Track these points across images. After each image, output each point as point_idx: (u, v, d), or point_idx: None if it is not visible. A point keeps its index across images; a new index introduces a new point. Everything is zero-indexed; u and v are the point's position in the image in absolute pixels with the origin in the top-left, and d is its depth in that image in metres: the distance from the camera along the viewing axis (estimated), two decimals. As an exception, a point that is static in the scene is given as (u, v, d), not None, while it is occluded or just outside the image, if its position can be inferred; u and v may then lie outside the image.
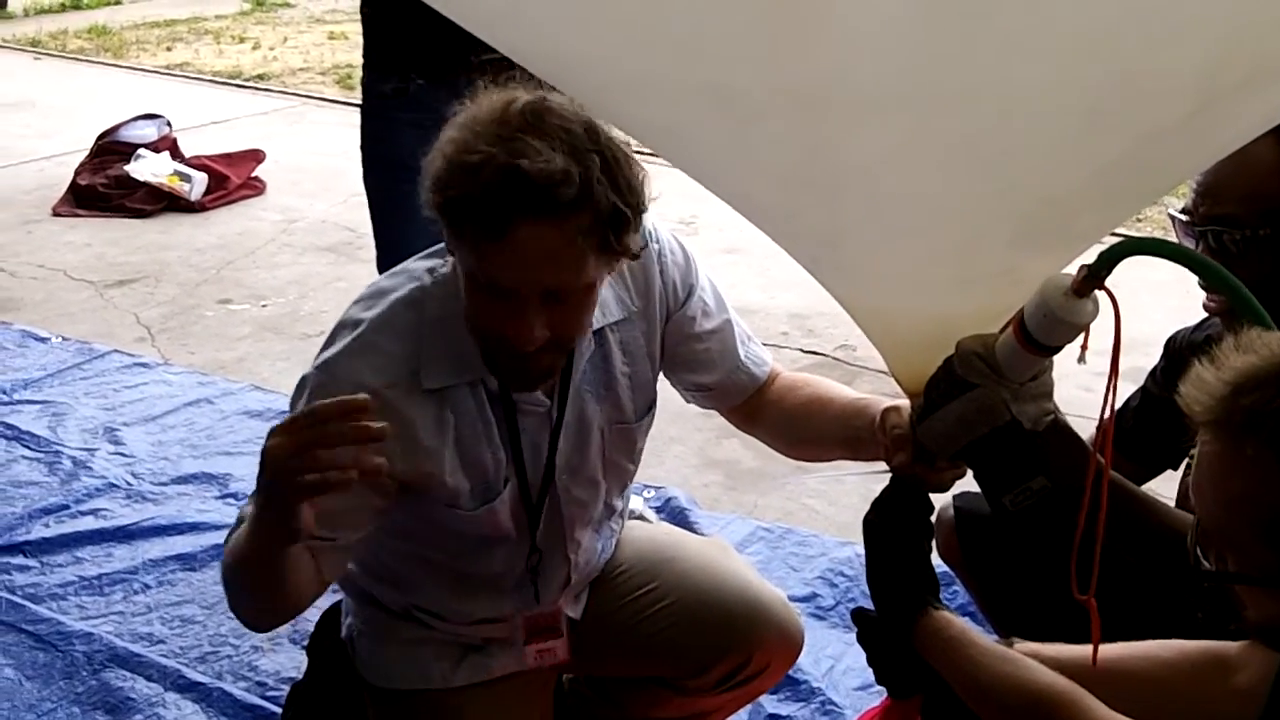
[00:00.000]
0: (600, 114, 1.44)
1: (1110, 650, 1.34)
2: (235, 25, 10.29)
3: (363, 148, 2.77)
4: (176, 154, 5.71)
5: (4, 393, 3.58)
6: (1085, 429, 1.46)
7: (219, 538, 2.85)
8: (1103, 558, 1.31)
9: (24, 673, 2.42)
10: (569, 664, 1.97)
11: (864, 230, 1.27)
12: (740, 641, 1.89)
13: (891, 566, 1.47)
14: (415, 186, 2.66)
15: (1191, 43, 0.97)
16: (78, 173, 5.55)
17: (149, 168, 5.49)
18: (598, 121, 1.48)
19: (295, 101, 7.67)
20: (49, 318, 4.24)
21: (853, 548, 2.79)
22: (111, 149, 5.64)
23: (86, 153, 5.70)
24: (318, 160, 6.12)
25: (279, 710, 2.27)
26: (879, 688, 1.54)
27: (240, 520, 1.54)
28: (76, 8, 10.91)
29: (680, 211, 5.15)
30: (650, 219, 1.63)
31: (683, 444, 3.41)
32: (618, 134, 1.51)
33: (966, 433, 1.37)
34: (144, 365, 3.84)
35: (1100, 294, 1.27)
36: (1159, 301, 2.78)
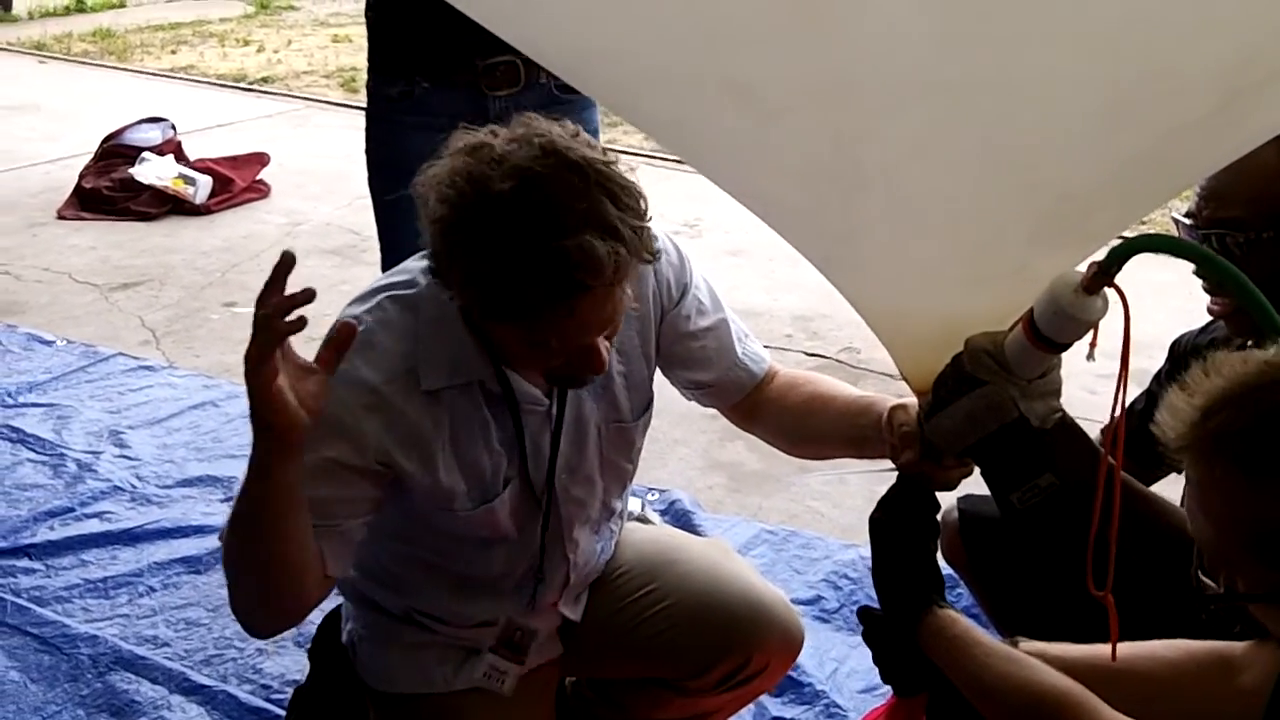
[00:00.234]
0: (618, 111, 1.44)
1: (1107, 650, 1.34)
2: (240, 28, 10.32)
3: (368, 151, 2.77)
4: (181, 157, 5.73)
5: (9, 395, 3.59)
6: (1089, 430, 1.46)
7: (224, 540, 2.88)
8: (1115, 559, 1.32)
9: (29, 675, 2.42)
10: (569, 666, 1.98)
11: (882, 228, 1.27)
12: (740, 642, 1.89)
13: (898, 565, 1.47)
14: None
15: (1220, 39, 0.98)
16: (82, 176, 5.56)
17: (154, 171, 5.49)
18: (576, 150, 1.45)
19: (299, 104, 7.68)
20: (54, 321, 4.25)
21: (857, 550, 2.79)
22: (116, 152, 5.65)
23: (91, 156, 5.71)
24: (322, 163, 6.13)
25: (283, 713, 2.27)
26: (883, 690, 1.54)
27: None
28: (81, 11, 10.95)
29: (684, 214, 5.16)
30: None
31: (687, 446, 3.41)
32: (588, 150, 1.47)
33: (975, 430, 1.38)
34: (149, 368, 3.85)
35: (1110, 291, 1.27)
36: (1162, 303, 2.78)
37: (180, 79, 8.41)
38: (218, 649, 2.52)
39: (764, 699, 2.38)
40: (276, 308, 1.34)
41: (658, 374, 1.85)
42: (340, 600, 1.93)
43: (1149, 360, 1.98)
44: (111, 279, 4.68)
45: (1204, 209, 1.68)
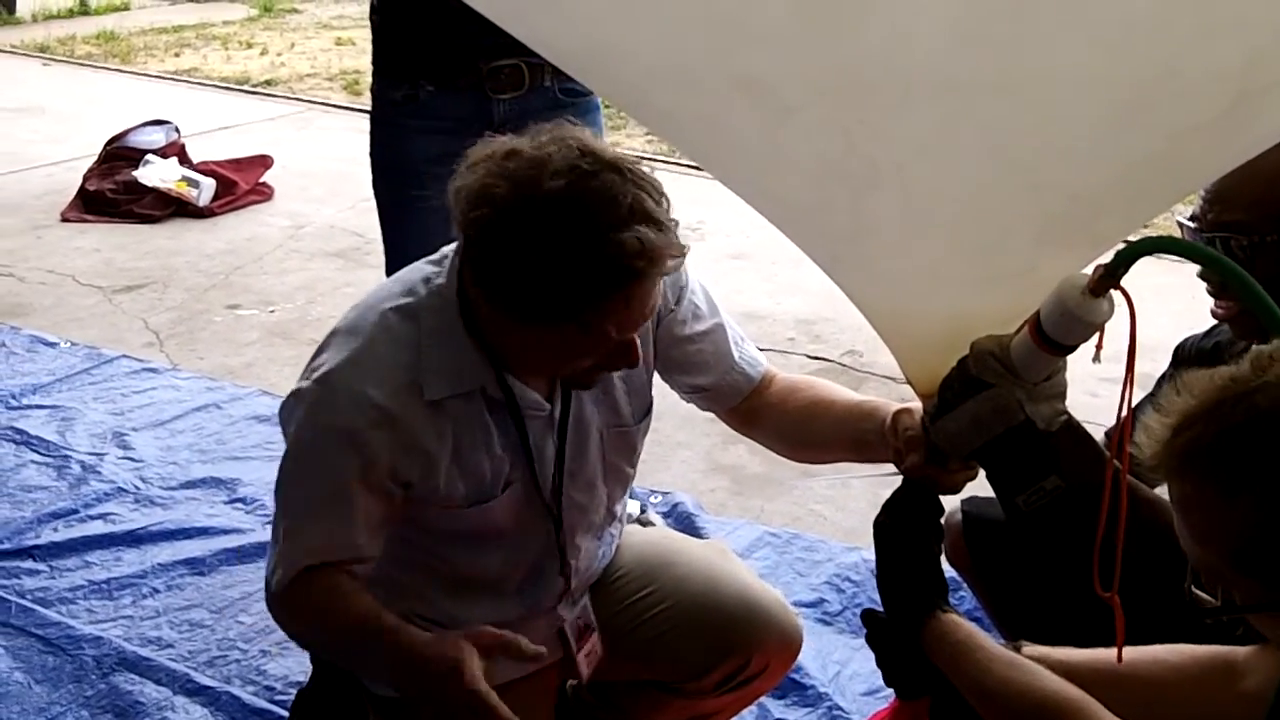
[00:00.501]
0: (628, 109, 1.44)
1: (1113, 655, 1.35)
2: (243, 31, 10.33)
3: (372, 154, 2.78)
4: (185, 159, 5.73)
5: (13, 397, 3.59)
6: (1093, 434, 1.46)
7: (227, 542, 2.88)
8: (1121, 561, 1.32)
9: (33, 676, 2.43)
10: (569, 670, 1.98)
11: (890, 227, 1.28)
12: (739, 644, 1.89)
13: (902, 569, 1.48)
14: (424, 192, 2.68)
15: (1226, 42, 0.98)
16: (86, 178, 5.56)
17: (157, 173, 5.50)
18: (607, 150, 1.50)
19: (303, 107, 7.69)
20: (58, 323, 4.26)
21: (859, 553, 2.79)
22: (120, 154, 5.66)
23: (95, 158, 5.72)
24: (325, 165, 6.14)
25: (286, 715, 2.28)
26: (886, 693, 1.55)
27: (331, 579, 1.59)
28: (85, 13, 10.95)
29: (687, 218, 5.10)
30: None
31: (689, 449, 3.41)
32: (614, 150, 1.53)
33: (981, 433, 1.38)
34: (152, 370, 3.85)
35: (1116, 293, 1.28)
36: (1165, 306, 2.78)
37: (184, 81, 8.42)
38: (221, 650, 2.53)
39: (767, 702, 2.38)
40: None
41: (657, 378, 1.86)
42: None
43: (1151, 364, 1.98)
44: (115, 281, 4.69)
45: (1208, 212, 1.68)
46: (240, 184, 5.63)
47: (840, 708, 2.36)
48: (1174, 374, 1.92)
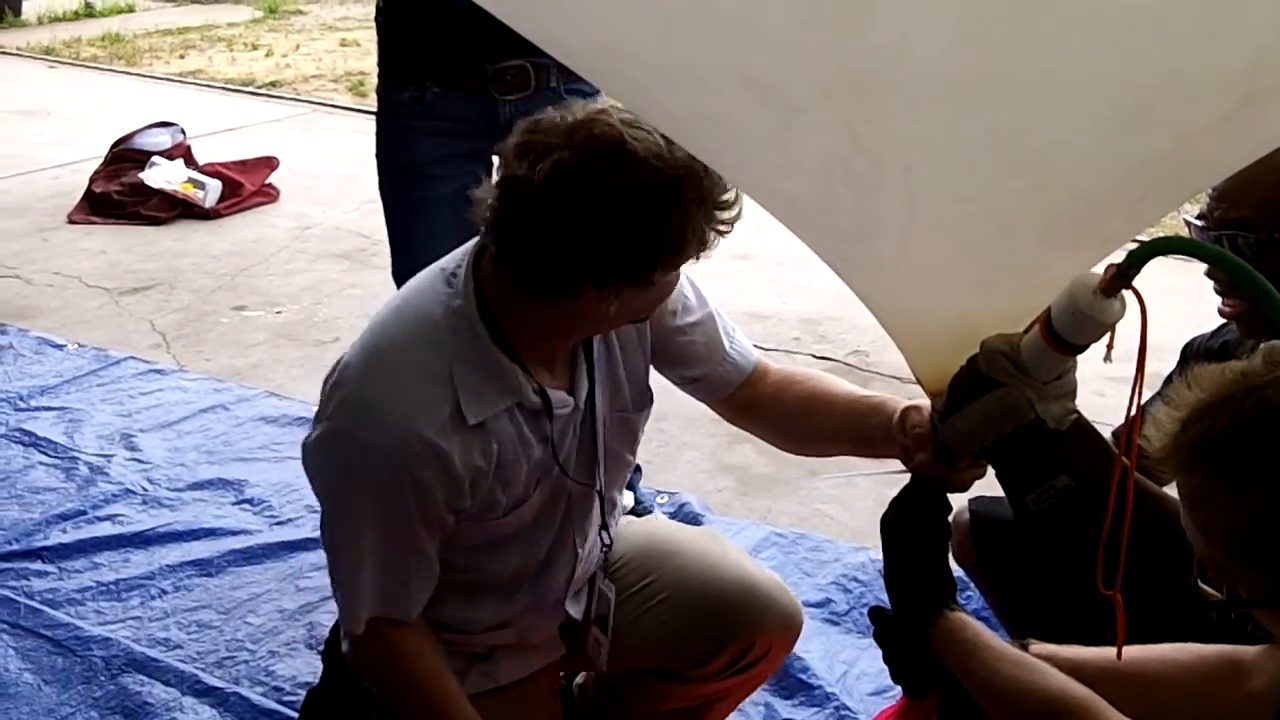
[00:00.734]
0: (635, 108, 1.45)
1: (1126, 652, 1.35)
2: (248, 32, 10.34)
3: (378, 155, 2.78)
4: (190, 161, 5.75)
5: (21, 399, 3.60)
6: (1101, 433, 1.46)
7: (235, 543, 2.89)
8: (1125, 556, 1.32)
9: (43, 677, 2.43)
10: (573, 664, 1.98)
11: (897, 227, 1.28)
12: (742, 628, 1.90)
13: (909, 567, 1.48)
14: (430, 193, 2.69)
15: (1238, 41, 0.98)
16: (92, 180, 5.58)
17: (163, 175, 5.51)
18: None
19: (308, 109, 7.70)
20: (65, 324, 4.27)
21: (866, 553, 2.79)
22: (126, 156, 5.67)
23: (101, 160, 5.73)
24: (331, 167, 6.15)
25: (295, 715, 2.28)
26: (893, 692, 1.55)
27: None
28: (90, 15, 10.97)
29: (692, 217, 5.15)
30: None
31: (696, 449, 3.42)
32: None
33: (991, 431, 1.38)
34: (159, 372, 3.86)
35: (1127, 293, 1.28)
36: (1172, 306, 2.77)
37: (189, 83, 8.43)
38: (230, 651, 2.53)
39: (774, 701, 2.39)
40: None
41: (659, 379, 1.87)
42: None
43: (1159, 364, 1.98)
44: (122, 283, 4.70)
45: (1215, 210, 1.69)
46: (246, 186, 5.64)
47: (847, 707, 2.36)
48: (1182, 373, 1.93)
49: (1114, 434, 1.77)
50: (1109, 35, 0.96)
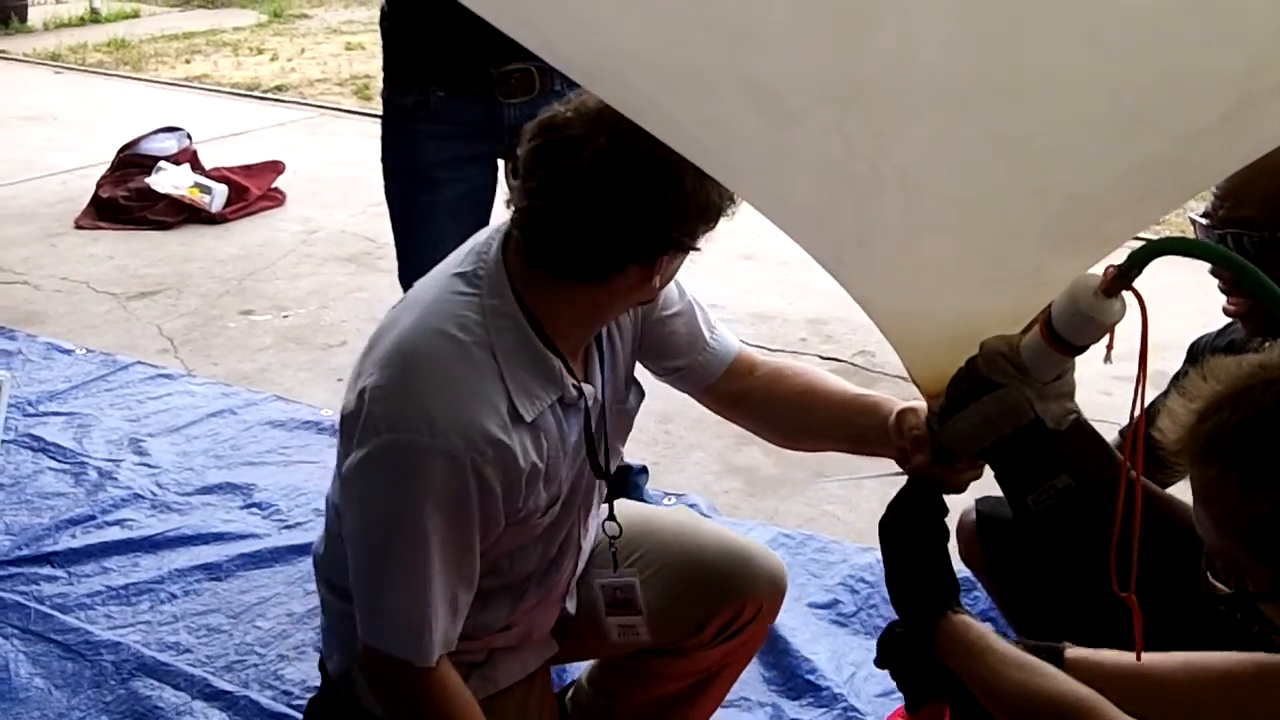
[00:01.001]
0: (633, 113, 1.45)
1: (1152, 659, 1.34)
2: (253, 37, 10.36)
3: (384, 159, 2.79)
4: (197, 166, 5.76)
5: (30, 404, 3.61)
6: (1106, 433, 1.46)
7: (244, 547, 2.90)
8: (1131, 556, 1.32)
9: (53, 682, 2.44)
10: (569, 656, 1.99)
11: (896, 230, 1.28)
12: (732, 592, 1.92)
13: (909, 570, 1.48)
14: (436, 196, 2.70)
15: (1234, 44, 0.98)
16: (99, 185, 5.59)
17: (170, 180, 5.53)
18: None
19: (313, 112, 7.72)
20: (73, 330, 4.28)
21: (873, 554, 2.79)
22: (132, 162, 5.69)
23: (108, 165, 5.75)
24: (336, 171, 6.16)
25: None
26: (900, 694, 1.55)
27: None
28: (96, 21, 11.00)
29: (698, 218, 5.15)
30: None
31: (703, 450, 3.42)
32: None
33: (990, 432, 1.38)
34: (167, 376, 3.87)
35: (1128, 294, 1.28)
36: (1177, 305, 2.77)
37: (195, 88, 8.45)
38: (239, 655, 2.54)
39: (781, 702, 2.39)
40: None
41: (649, 378, 1.90)
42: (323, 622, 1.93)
43: (1164, 362, 1.98)
44: (129, 288, 4.71)
45: (1219, 209, 1.69)
46: (252, 190, 5.65)
47: (855, 709, 2.36)
48: (1188, 372, 1.93)
49: (1120, 434, 1.77)
50: (1106, 38, 0.96)
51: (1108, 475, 1.33)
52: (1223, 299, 1.74)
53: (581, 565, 1.90)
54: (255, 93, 8.27)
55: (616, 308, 1.69)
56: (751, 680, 2.42)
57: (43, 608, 2.65)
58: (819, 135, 1.14)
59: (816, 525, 3.04)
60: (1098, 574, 1.34)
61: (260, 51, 9.69)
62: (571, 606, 1.93)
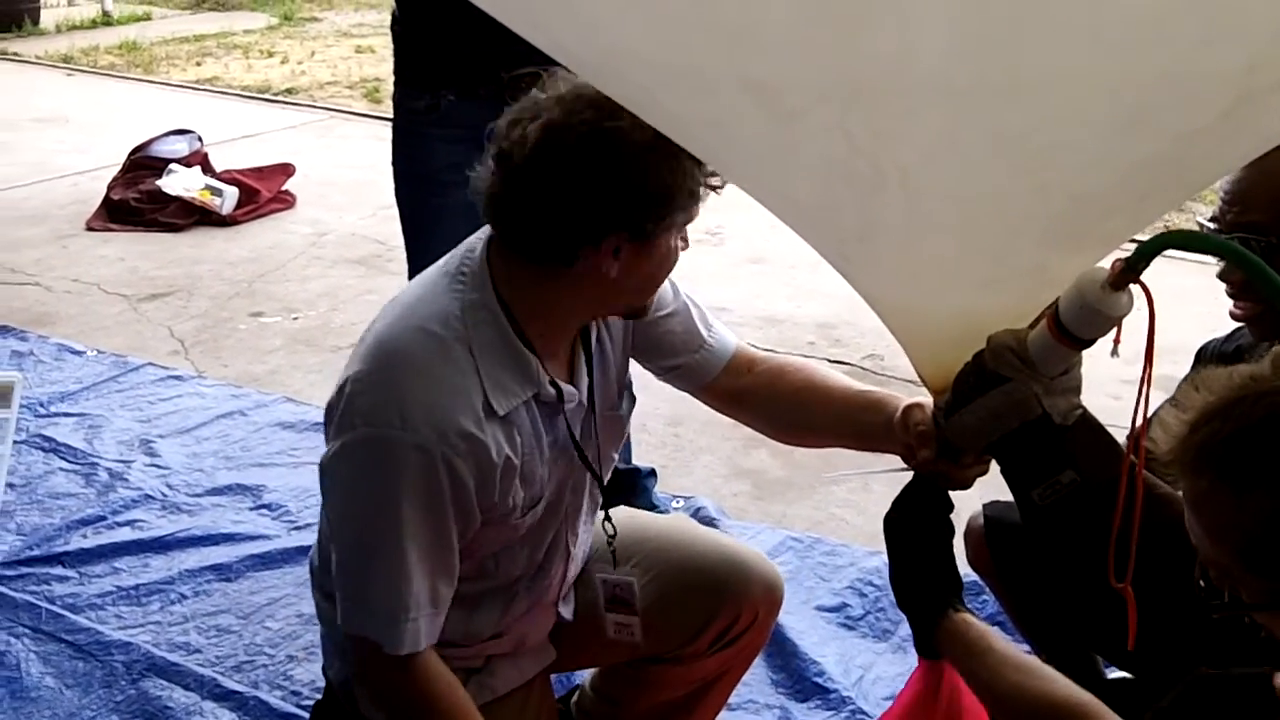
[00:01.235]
0: (639, 110, 1.46)
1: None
2: (264, 40, 10.39)
3: (394, 162, 2.80)
4: (208, 168, 5.78)
5: (41, 405, 3.63)
6: (1116, 436, 1.47)
7: (254, 548, 2.91)
8: (1135, 553, 1.32)
9: (64, 682, 2.45)
10: (573, 663, 1.99)
11: (898, 227, 1.28)
12: (728, 599, 1.92)
13: (915, 566, 1.48)
14: (446, 200, 2.71)
15: (1231, 42, 0.98)
16: (110, 187, 5.61)
17: (181, 182, 5.55)
18: None
19: (324, 115, 7.74)
20: (84, 331, 4.30)
21: (881, 557, 2.79)
22: (143, 164, 5.71)
23: (119, 168, 5.77)
24: (347, 173, 6.18)
25: None
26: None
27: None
28: (107, 24, 11.04)
29: (706, 223, 5.15)
30: None
31: (711, 454, 3.42)
32: None
33: (997, 426, 1.38)
34: (178, 378, 3.88)
35: (1135, 287, 1.28)
36: (1185, 309, 2.77)
37: (206, 91, 8.48)
38: (249, 655, 2.55)
39: (789, 705, 2.39)
40: None
41: (657, 381, 1.90)
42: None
43: (1172, 366, 1.98)
44: (140, 289, 4.73)
45: (1227, 213, 1.69)
46: (263, 192, 5.67)
47: (863, 711, 2.37)
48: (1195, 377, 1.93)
49: (1128, 439, 1.77)
50: (1105, 37, 0.97)
51: (1113, 471, 1.33)
52: (1230, 303, 1.74)
53: (573, 572, 1.90)
54: (266, 95, 8.29)
55: (587, 300, 1.65)
56: (759, 683, 2.43)
57: (54, 608, 2.67)
58: (820, 133, 1.15)
59: (825, 528, 3.05)
60: (1102, 575, 1.34)
61: (271, 54, 9.72)
62: (568, 613, 1.94)
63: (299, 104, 8.05)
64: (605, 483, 1.88)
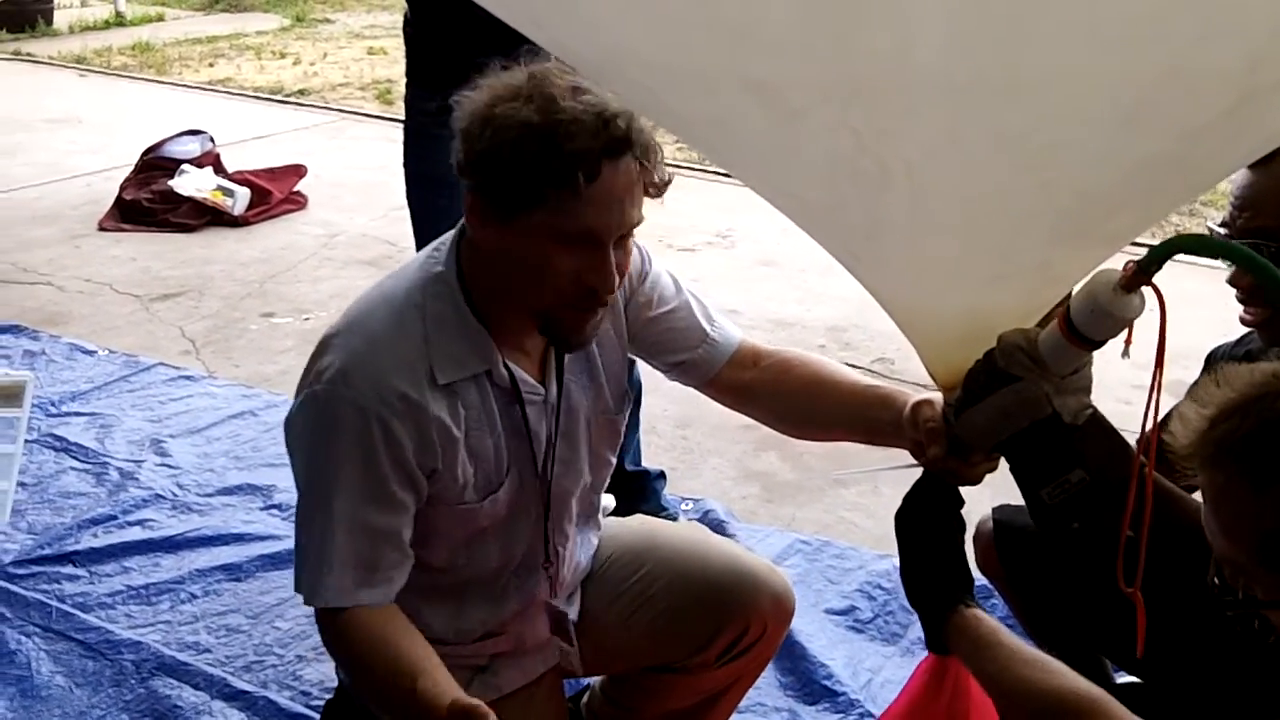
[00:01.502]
0: (645, 110, 1.46)
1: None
2: (276, 41, 10.42)
3: (406, 164, 2.81)
4: (220, 169, 5.80)
5: (53, 404, 3.65)
6: (1127, 440, 1.46)
7: (264, 548, 2.92)
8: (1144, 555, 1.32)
9: (74, 680, 2.46)
10: (589, 664, 1.99)
11: (904, 225, 1.29)
12: (737, 611, 1.91)
13: (925, 562, 1.48)
14: (456, 202, 2.70)
15: (1238, 37, 0.98)
16: (123, 188, 5.63)
17: (193, 183, 5.57)
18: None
19: (335, 116, 7.76)
20: (96, 331, 4.31)
21: (891, 560, 2.79)
22: (156, 164, 5.72)
23: (131, 168, 5.79)
24: (358, 175, 6.19)
25: None
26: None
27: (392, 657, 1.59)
28: (120, 25, 11.08)
29: (716, 225, 5.17)
30: None
31: (720, 456, 3.43)
32: None
33: (1007, 425, 1.38)
34: (189, 378, 3.90)
35: (1147, 290, 1.28)
36: (1196, 314, 2.76)
37: (218, 92, 8.51)
38: (258, 655, 2.56)
39: (798, 708, 2.39)
40: None
41: (666, 383, 1.88)
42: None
43: (1182, 371, 1.98)
44: (152, 290, 4.74)
45: (1237, 218, 1.69)
46: (274, 193, 5.69)
47: (871, 715, 2.36)
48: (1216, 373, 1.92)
49: (1138, 442, 1.77)
50: (1105, 35, 0.97)
51: (1123, 471, 1.33)
52: (1240, 308, 1.74)
53: (568, 573, 1.90)
54: (278, 97, 8.32)
55: (531, 282, 1.60)
56: (768, 686, 2.43)
57: (64, 607, 2.68)
58: (824, 132, 1.15)
59: (834, 531, 3.04)
60: (1112, 578, 1.34)
61: (283, 56, 9.75)
62: (573, 614, 1.94)
63: (311, 105, 8.08)
64: (598, 485, 1.89)
